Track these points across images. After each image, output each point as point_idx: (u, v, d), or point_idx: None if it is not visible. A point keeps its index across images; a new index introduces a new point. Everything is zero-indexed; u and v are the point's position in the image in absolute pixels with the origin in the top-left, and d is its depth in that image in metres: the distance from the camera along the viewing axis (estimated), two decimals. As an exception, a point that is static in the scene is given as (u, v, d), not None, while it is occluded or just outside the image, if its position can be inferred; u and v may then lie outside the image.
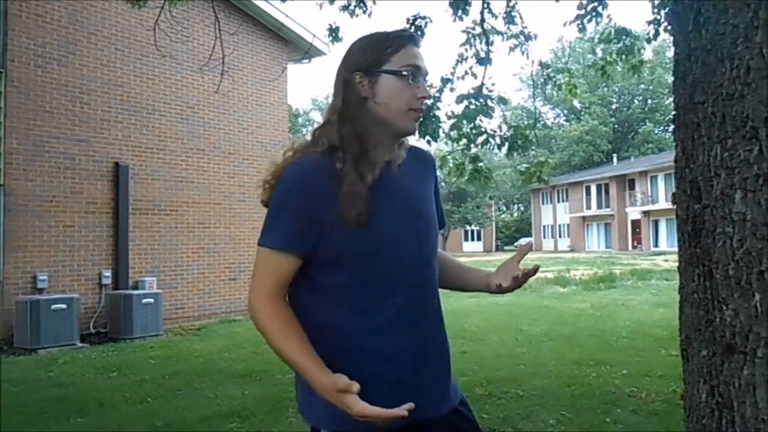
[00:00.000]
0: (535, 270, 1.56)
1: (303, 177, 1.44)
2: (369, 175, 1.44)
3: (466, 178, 8.10)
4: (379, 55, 1.48)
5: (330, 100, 1.58)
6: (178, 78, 11.64)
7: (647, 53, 54.90)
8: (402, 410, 1.32)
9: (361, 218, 1.41)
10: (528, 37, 7.59)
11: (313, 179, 1.44)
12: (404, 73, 1.47)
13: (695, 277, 1.41)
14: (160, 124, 11.39)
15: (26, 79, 9.66)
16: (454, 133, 7.64)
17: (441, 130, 7.43)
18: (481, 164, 7.97)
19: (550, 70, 8.13)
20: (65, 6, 10.13)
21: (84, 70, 10.37)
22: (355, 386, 1.33)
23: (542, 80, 8.11)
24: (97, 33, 10.57)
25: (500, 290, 1.60)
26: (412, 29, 7.28)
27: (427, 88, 1.53)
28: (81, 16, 10.36)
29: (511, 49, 7.68)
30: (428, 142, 7.56)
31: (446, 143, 8.01)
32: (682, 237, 1.43)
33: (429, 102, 1.40)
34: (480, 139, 7.75)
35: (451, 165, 8.18)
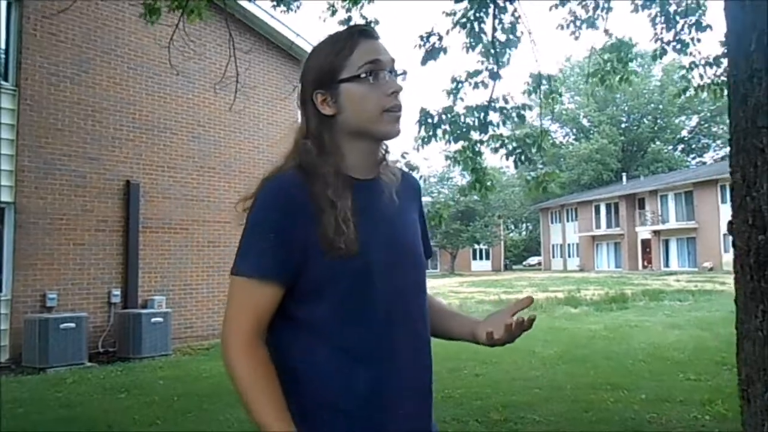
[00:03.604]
0: (531, 322, 1.37)
1: (281, 194, 1.30)
2: (348, 198, 1.31)
3: (466, 178, 8.03)
4: (332, 64, 1.35)
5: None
6: (189, 96, 11.66)
7: (657, 71, 55.04)
8: None
9: (351, 248, 1.27)
10: (513, 43, 7.51)
11: (293, 196, 1.30)
12: (362, 75, 1.33)
13: (759, 314, 1.31)
14: (171, 143, 11.39)
15: (39, 97, 9.69)
16: (459, 145, 7.66)
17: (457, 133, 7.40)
18: (483, 171, 7.87)
19: (544, 83, 8.08)
20: (79, 25, 10.18)
21: (96, 89, 10.40)
22: None
23: (534, 87, 8.06)
24: (111, 52, 10.61)
25: (490, 341, 1.42)
26: (426, 47, 7.25)
27: (397, 80, 1.38)
28: (95, 35, 10.41)
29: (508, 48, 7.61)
30: (448, 142, 7.51)
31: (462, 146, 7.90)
32: (741, 269, 1.33)
33: (401, 92, 1.28)
34: (493, 146, 7.71)
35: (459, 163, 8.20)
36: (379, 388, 1.31)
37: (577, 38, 7.91)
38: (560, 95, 8.40)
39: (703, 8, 7.13)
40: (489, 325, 1.44)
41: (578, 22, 7.73)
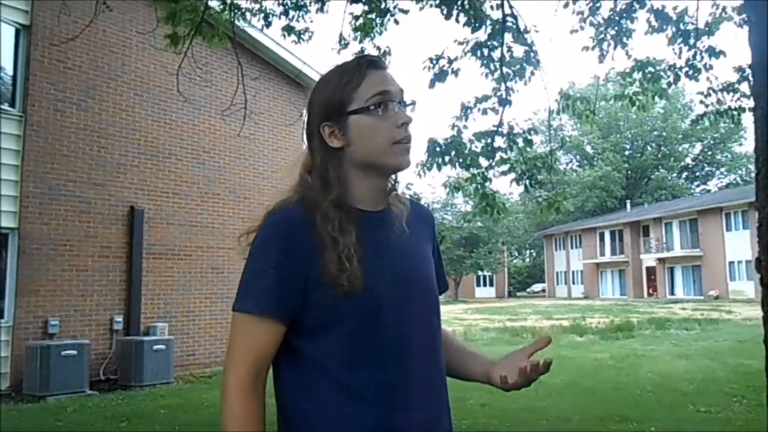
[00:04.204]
0: (548, 366, 1.33)
1: (283, 228, 1.28)
2: (352, 232, 1.27)
3: (477, 205, 7.96)
4: (341, 97, 1.32)
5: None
6: (195, 123, 11.70)
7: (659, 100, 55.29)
8: None
9: (355, 283, 1.24)
10: (533, 63, 7.48)
11: (295, 231, 1.27)
12: (371, 107, 1.31)
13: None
14: (176, 168, 11.40)
15: (45, 123, 9.72)
16: (468, 172, 7.63)
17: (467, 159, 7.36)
18: (492, 196, 7.81)
19: (569, 100, 8.02)
20: (86, 52, 10.25)
21: (103, 115, 10.44)
22: None
23: (561, 107, 8.01)
24: (117, 78, 10.67)
25: (504, 385, 1.38)
26: (435, 70, 7.25)
27: (406, 111, 1.35)
28: (102, 62, 10.48)
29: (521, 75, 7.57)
30: (453, 167, 7.48)
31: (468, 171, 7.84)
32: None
33: (410, 123, 1.29)
34: (502, 169, 7.66)
35: (467, 191, 8.14)
36: (386, 428, 1.25)
37: (602, 59, 7.76)
38: (593, 113, 8.28)
39: (726, 19, 7.00)
40: (503, 368, 1.41)
41: (605, 44, 7.62)
